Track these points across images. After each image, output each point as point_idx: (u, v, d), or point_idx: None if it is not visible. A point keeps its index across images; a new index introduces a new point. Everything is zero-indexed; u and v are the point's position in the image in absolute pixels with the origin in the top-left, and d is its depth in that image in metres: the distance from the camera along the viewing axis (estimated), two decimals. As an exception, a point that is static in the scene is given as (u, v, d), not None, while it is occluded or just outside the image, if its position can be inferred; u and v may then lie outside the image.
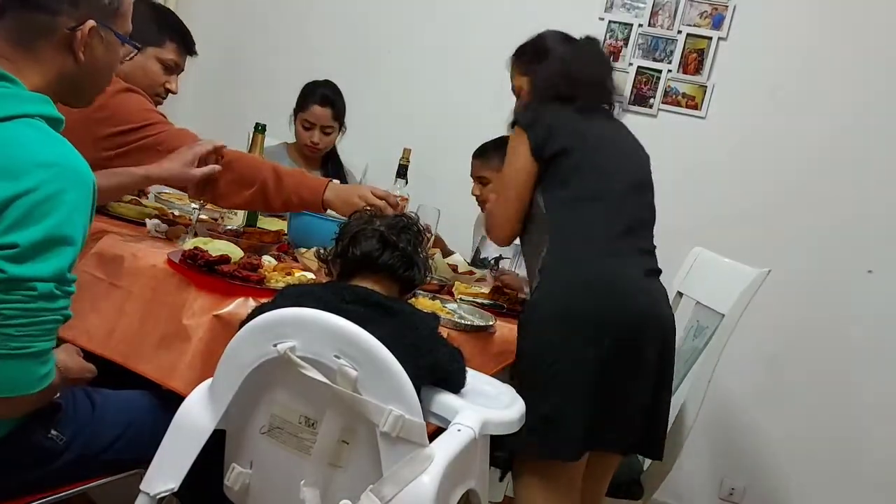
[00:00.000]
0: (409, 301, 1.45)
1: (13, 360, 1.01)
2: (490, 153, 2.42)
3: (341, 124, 2.76)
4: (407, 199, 2.19)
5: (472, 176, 2.50)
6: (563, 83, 1.75)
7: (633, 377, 1.56)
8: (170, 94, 1.95)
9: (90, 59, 1.14)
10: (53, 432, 1.21)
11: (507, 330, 1.67)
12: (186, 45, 1.95)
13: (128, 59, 1.28)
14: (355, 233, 1.31)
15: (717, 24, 2.86)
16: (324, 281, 1.46)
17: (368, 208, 1.62)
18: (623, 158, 1.76)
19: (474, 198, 2.50)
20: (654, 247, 1.74)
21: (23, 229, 0.98)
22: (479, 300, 1.84)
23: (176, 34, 1.92)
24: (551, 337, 1.56)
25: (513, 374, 1.63)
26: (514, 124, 1.74)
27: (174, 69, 1.94)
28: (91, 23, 1.12)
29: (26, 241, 0.98)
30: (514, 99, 1.93)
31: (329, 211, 1.79)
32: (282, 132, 2.76)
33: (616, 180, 1.70)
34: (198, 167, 1.62)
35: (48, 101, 1.11)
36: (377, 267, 1.28)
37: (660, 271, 1.72)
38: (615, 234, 1.64)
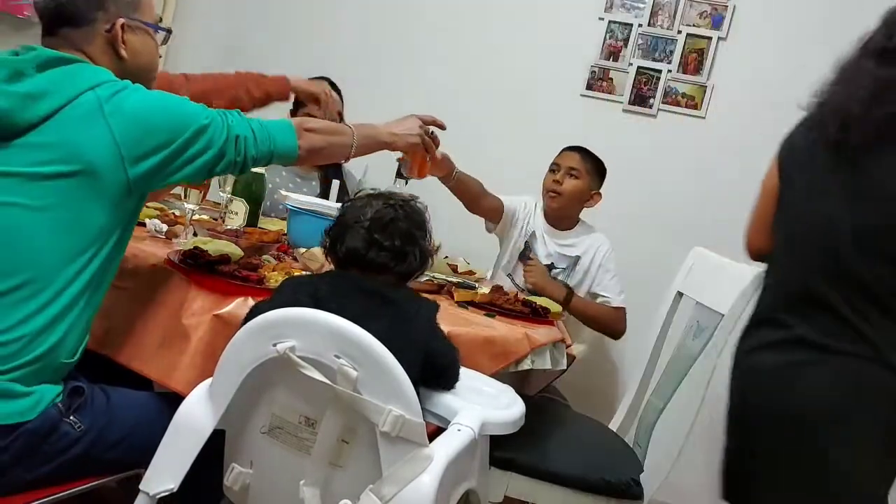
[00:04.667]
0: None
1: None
2: (588, 154, 2.48)
3: (341, 119, 2.75)
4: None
5: (557, 164, 2.50)
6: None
7: None
8: None
9: (131, 52, 1.30)
10: (72, 418, 1.22)
11: (506, 329, 1.66)
12: None
13: (163, 43, 1.40)
14: (344, 229, 1.30)
15: (716, 24, 2.86)
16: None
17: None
18: None
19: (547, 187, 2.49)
20: None
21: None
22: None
23: None
24: None
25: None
26: None
27: None
28: (121, 20, 1.27)
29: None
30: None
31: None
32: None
33: None
34: None
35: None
36: (366, 264, 1.28)
37: None
38: None
